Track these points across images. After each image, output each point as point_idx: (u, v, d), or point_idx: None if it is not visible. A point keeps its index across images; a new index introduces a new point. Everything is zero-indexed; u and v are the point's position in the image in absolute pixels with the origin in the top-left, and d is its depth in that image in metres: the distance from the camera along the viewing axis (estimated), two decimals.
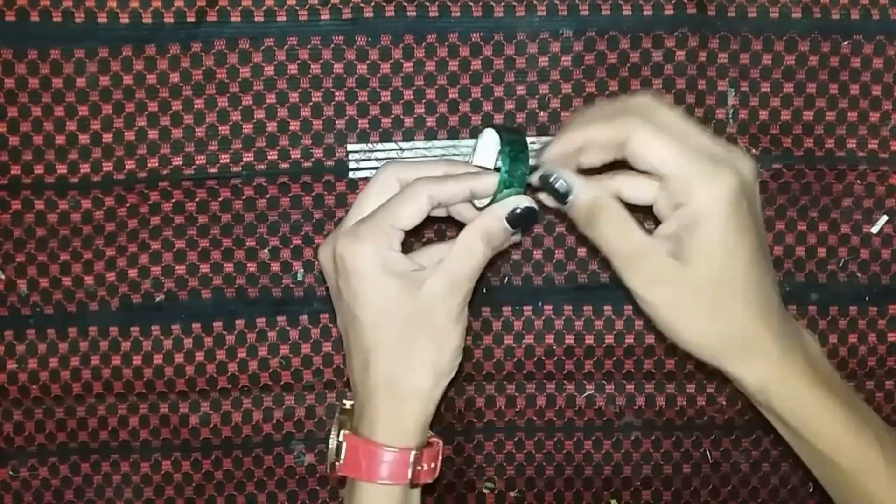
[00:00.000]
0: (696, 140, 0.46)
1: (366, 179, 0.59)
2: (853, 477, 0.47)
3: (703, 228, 0.45)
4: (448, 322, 0.48)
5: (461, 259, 0.48)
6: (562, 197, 0.48)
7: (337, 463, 0.50)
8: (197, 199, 0.59)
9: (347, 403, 0.52)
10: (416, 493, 0.51)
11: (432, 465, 0.50)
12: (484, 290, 0.60)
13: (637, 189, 0.48)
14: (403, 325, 0.48)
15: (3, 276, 0.59)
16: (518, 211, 0.48)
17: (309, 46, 0.58)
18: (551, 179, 0.48)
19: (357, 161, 0.59)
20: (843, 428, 0.47)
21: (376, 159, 0.59)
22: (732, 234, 0.45)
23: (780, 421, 0.49)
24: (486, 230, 0.49)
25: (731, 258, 0.45)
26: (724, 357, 0.47)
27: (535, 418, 0.62)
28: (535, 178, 0.49)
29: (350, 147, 0.59)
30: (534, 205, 0.49)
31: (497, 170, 0.50)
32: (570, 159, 0.48)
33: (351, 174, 0.59)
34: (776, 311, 0.47)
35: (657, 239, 0.47)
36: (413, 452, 0.49)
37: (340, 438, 0.49)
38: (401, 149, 0.59)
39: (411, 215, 0.48)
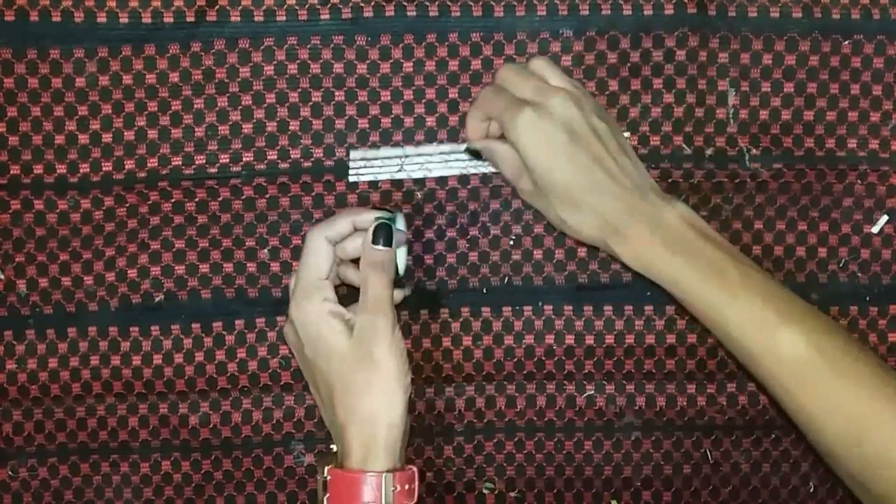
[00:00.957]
0: (520, 89, 0.56)
1: (366, 183, 0.59)
2: (708, 315, 0.54)
3: (520, 154, 0.55)
4: (381, 347, 0.53)
5: (365, 291, 0.54)
6: (476, 155, 0.59)
7: (325, 497, 0.53)
8: (196, 199, 0.59)
9: (334, 447, 0.55)
10: None
11: (406, 486, 0.53)
12: (484, 291, 0.60)
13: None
14: (351, 362, 0.53)
15: (2, 276, 0.59)
16: (374, 230, 0.55)
17: (309, 46, 0.58)
18: (469, 147, 0.59)
19: (357, 170, 0.59)
20: (691, 277, 0.54)
21: (377, 166, 0.59)
22: (539, 152, 0.55)
23: (653, 281, 0.55)
24: (366, 259, 0.55)
25: (551, 169, 0.55)
26: (599, 241, 0.56)
27: (535, 419, 0.62)
28: (461, 150, 0.60)
29: (353, 155, 0.59)
30: (386, 221, 0.55)
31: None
32: (482, 131, 0.58)
33: (351, 178, 0.59)
34: (617, 196, 0.54)
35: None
36: (384, 475, 0.52)
37: (326, 474, 0.53)
38: (405, 155, 0.59)
39: (321, 263, 0.55)
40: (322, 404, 0.56)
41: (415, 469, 0.54)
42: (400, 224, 0.56)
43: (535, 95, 0.56)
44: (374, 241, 0.55)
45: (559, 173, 0.55)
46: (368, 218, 0.55)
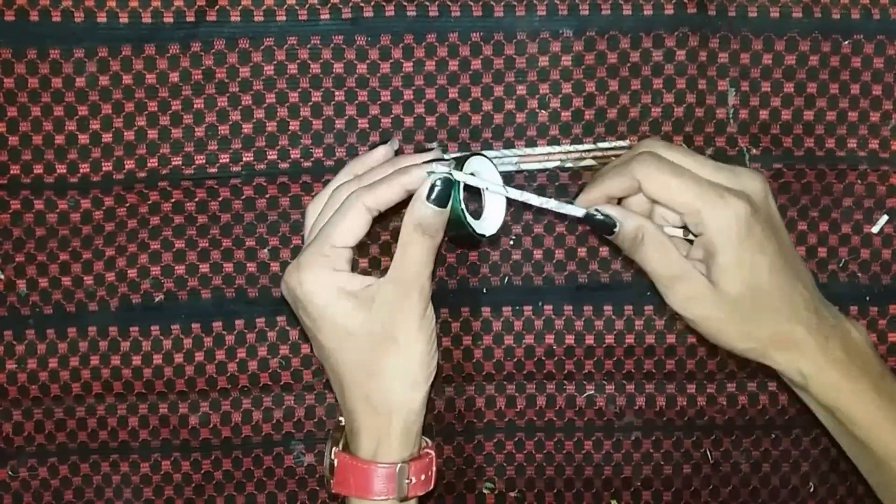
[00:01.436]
0: (702, 172, 0.49)
1: None
2: (885, 462, 0.49)
3: (720, 255, 0.48)
4: (407, 327, 0.48)
5: (402, 257, 0.48)
6: (608, 228, 0.50)
7: (331, 480, 0.50)
8: (196, 199, 0.59)
9: (342, 420, 0.52)
10: None
11: (423, 476, 0.49)
12: (484, 291, 0.60)
13: (671, 218, 0.51)
14: (364, 342, 0.48)
15: (2, 276, 0.59)
16: (436, 187, 0.47)
17: (309, 46, 0.58)
18: (595, 215, 0.50)
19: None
20: (876, 415, 0.49)
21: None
22: (748, 255, 0.48)
23: (818, 405, 0.51)
24: (415, 219, 0.47)
25: (751, 276, 0.48)
26: (766, 356, 0.51)
27: (535, 418, 0.62)
28: (579, 214, 0.51)
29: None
30: (449, 174, 0.47)
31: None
32: (606, 201, 0.51)
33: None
34: (810, 309, 0.50)
35: (691, 262, 0.50)
36: (398, 466, 0.48)
37: (333, 457, 0.50)
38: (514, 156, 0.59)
39: (348, 230, 0.48)
40: (330, 380, 0.51)
41: (432, 453, 0.50)
42: (483, 168, 0.46)
43: (731, 179, 0.48)
44: (429, 198, 0.47)
45: (760, 286, 0.48)
46: (419, 177, 0.47)
